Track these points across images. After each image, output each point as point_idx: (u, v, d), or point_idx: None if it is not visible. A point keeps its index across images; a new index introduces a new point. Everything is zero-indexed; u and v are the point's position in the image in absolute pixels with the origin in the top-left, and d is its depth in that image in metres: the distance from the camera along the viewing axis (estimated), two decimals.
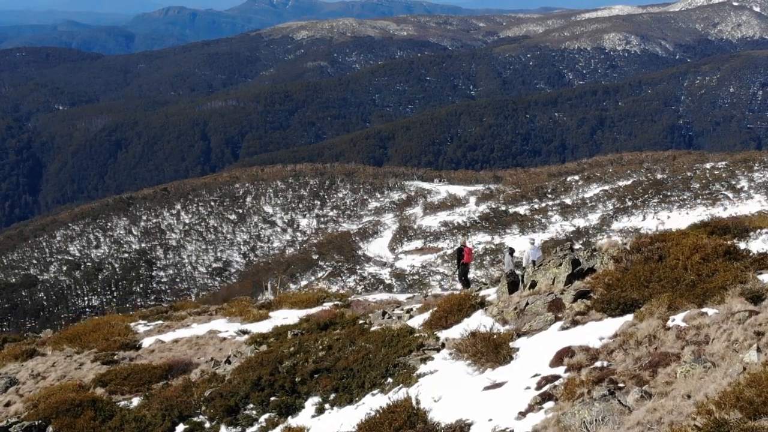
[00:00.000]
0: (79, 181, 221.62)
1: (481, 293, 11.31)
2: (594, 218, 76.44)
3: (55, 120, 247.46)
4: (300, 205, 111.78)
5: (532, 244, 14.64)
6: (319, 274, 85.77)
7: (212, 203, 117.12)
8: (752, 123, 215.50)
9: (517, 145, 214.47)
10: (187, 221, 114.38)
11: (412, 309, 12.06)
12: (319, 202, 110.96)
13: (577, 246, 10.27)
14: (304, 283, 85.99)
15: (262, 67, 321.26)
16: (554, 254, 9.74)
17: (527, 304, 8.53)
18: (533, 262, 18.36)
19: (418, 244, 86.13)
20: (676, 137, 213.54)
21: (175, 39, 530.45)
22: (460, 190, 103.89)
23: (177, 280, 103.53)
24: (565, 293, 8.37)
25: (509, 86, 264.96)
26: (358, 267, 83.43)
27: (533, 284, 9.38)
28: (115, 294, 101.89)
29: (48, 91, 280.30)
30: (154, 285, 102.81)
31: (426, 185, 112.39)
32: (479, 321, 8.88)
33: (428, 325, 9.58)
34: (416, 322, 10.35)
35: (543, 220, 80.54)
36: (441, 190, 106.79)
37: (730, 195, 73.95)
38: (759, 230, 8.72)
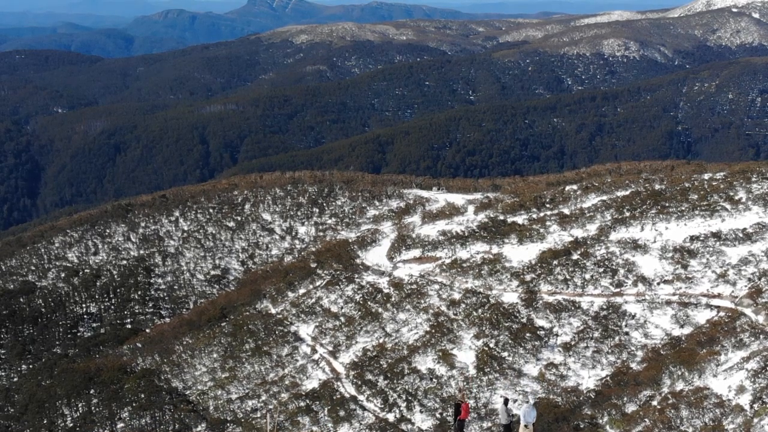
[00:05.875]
0: (77, 185, 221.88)
1: None
2: (592, 229, 76.31)
3: (54, 123, 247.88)
4: (298, 213, 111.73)
5: (527, 403, 14.99)
6: (317, 283, 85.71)
7: (211, 210, 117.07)
8: (750, 129, 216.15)
9: (515, 151, 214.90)
10: (185, 228, 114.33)
11: None
12: (317, 210, 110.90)
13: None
14: (302, 291, 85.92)
15: (262, 71, 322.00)
16: None
17: None
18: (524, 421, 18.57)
19: (416, 253, 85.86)
20: (674, 143, 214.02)
21: (174, 42, 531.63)
22: (458, 199, 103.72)
23: (175, 287, 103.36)
24: None
25: (508, 91, 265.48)
26: (356, 276, 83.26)
27: None
28: (113, 301, 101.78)
29: (47, 93, 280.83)
30: (153, 292, 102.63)
31: (425, 193, 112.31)
32: None
33: None
34: None
35: (541, 230, 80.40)
36: (439, 198, 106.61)
37: (728, 206, 73.85)
38: None
